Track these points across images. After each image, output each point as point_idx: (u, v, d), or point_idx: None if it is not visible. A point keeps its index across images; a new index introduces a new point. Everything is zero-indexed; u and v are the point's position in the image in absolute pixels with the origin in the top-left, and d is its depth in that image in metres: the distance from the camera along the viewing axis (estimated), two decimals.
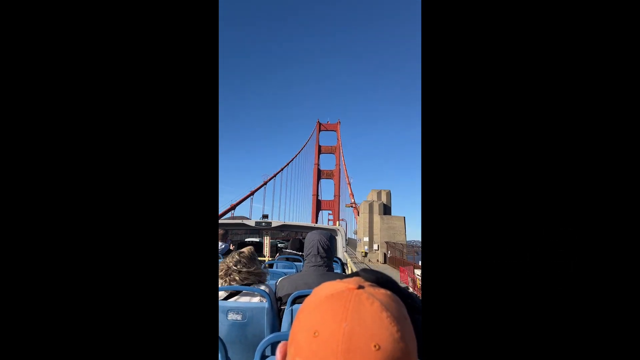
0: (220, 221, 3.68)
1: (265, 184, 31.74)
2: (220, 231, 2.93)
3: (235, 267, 1.33)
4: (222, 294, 1.30)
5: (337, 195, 41.35)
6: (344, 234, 3.98)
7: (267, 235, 4.28)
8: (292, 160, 40.46)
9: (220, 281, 1.32)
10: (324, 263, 1.42)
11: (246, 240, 4.63)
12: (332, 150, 44.76)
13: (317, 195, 42.35)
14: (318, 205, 41.75)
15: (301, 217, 43.69)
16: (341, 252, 3.75)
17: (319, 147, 44.75)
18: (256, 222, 3.82)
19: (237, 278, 1.33)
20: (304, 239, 1.57)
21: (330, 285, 0.35)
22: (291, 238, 3.42)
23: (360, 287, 0.33)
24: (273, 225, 3.82)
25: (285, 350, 0.35)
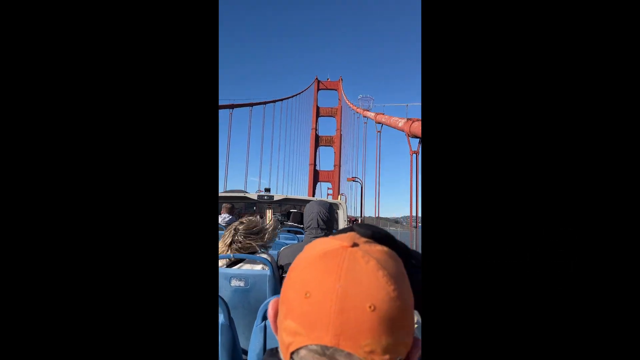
0: (223, 194, 4.11)
1: None
2: (227, 205, 3.77)
3: (236, 237, 1.56)
4: (225, 262, 1.54)
5: (338, 165, 40.54)
6: (345, 208, 4.34)
7: (269, 208, 4.67)
8: (278, 101, 38.34)
9: (224, 249, 1.56)
10: (324, 235, 1.65)
11: (291, 210, 4.96)
12: (332, 113, 43.43)
13: (315, 165, 41.76)
14: (315, 177, 41.39)
15: (296, 189, 43.89)
16: (343, 226, 4.12)
17: (317, 109, 43.36)
18: (258, 196, 4.21)
19: (239, 245, 1.56)
20: None
21: (323, 242, 0.37)
22: (292, 212, 3.84)
23: (355, 244, 0.36)
24: (275, 199, 4.19)
25: (277, 307, 0.38)
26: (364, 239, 0.38)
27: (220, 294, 1.44)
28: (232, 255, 1.52)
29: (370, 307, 0.31)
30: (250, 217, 1.67)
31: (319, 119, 43.83)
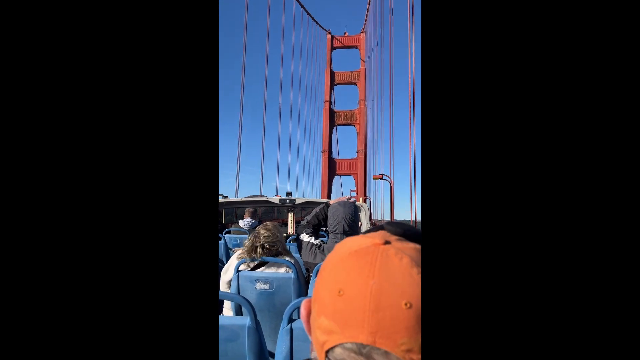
0: (246, 199, 5.01)
1: None
2: (250, 209, 5.12)
3: (260, 240, 2.10)
4: (250, 265, 2.09)
5: (363, 151, 36.60)
6: (367, 211, 4.96)
7: (291, 212, 5.46)
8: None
9: (247, 253, 2.10)
10: None
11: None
12: (352, 79, 39.54)
13: (331, 152, 37.61)
14: (332, 168, 37.22)
15: (307, 186, 42.65)
16: (365, 229, 4.79)
17: (332, 74, 39.47)
18: (280, 200, 5.11)
19: (260, 250, 2.10)
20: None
21: (353, 241, 0.47)
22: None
23: (387, 242, 0.44)
24: (297, 202, 4.99)
25: (310, 307, 0.48)
26: (395, 237, 0.46)
27: (245, 296, 1.95)
28: (259, 259, 2.06)
29: (406, 304, 0.38)
30: (268, 224, 2.21)
31: (334, 87, 39.72)
